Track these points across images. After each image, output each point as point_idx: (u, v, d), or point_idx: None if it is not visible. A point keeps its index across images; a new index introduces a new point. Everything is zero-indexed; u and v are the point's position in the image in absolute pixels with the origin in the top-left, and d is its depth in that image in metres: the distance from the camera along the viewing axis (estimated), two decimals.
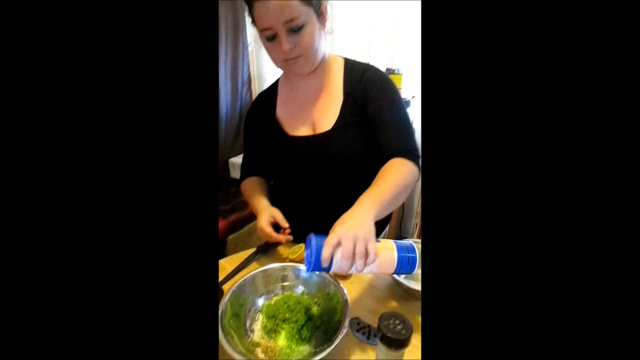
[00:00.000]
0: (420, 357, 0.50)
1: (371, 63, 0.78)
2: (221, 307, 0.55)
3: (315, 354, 0.48)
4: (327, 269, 0.49)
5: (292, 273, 0.66)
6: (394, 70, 1.53)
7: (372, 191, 0.59)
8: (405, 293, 0.66)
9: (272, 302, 0.62)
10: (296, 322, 0.57)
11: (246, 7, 0.67)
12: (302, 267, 0.65)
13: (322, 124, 0.75)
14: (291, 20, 0.62)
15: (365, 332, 0.49)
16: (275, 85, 0.85)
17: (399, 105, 0.73)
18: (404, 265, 0.51)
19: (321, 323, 0.58)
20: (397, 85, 1.08)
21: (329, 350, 0.47)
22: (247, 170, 0.90)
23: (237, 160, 1.97)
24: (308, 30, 0.65)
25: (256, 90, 2.14)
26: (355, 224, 0.50)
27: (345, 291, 0.58)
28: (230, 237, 1.62)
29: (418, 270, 0.53)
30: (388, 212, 0.61)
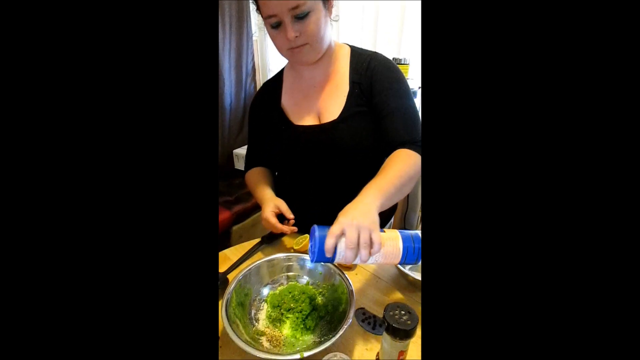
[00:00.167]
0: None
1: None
2: (226, 296, 0.55)
3: (320, 343, 0.48)
4: (331, 260, 0.48)
5: (297, 263, 0.66)
6: (400, 60, 1.50)
7: (377, 182, 0.58)
8: (410, 284, 0.66)
9: (277, 291, 0.62)
10: (301, 311, 0.57)
11: None
12: (307, 257, 0.65)
13: (328, 113, 0.74)
14: (296, 7, 0.61)
15: (371, 322, 0.49)
16: (280, 75, 0.83)
17: (406, 95, 0.72)
18: (410, 255, 0.51)
19: (326, 313, 0.58)
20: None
21: (334, 339, 0.47)
22: (251, 160, 0.90)
23: (241, 151, 1.97)
24: (314, 18, 0.63)
25: (260, 81, 2.12)
26: (358, 214, 0.49)
27: (350, 282, 0.58)
28: (235, 228, 1.63)
29: None
30: (393, 203, 0.61)
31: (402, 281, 0.68)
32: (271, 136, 0.82)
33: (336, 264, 0.62)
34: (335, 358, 0.45)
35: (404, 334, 0.45)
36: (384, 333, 0.47)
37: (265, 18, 0.64)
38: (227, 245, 0.81)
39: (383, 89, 0.70)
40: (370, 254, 0.48)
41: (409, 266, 0.68)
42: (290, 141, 0.78)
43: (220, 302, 0.55)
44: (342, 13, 1.71)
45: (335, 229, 0.47)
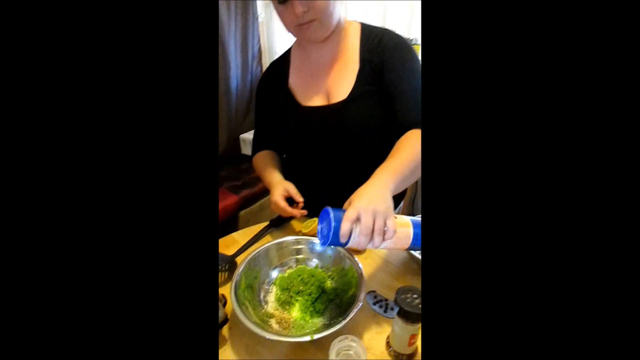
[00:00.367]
0: None
1: None
2: (235, 278, 0.55)
3: (330, 326, 0.47)
4: (344, 244, 0.47)
5: (306, 246, 0.65)
6: (411, 40, 1.45)
7: (390, 164, 0.56)
8: (419, 268, 0.65)
9: (286, 274, 0.62)
10: (310, 294, 0.57)
11: None
12: (317, 240, 0.64)
13: (337, 93, 0.71)
14: None
15: (382, 306, 0.48)
16: (287, 54, 0.81)
17: (419, 74, 0.69)
18: (419, 241, 0.50)
19: (335, 296, 0.57)
20: None
21: (344, 322, 0.47)
22: (259, 143, 0.88)
23: (248, 136, 1.95)
24: None
25: (267, 64, 2.08)
26: (374, 199, 0.48)
27: (360, 265, 0.57)
28: (242, 212, 1.63)
29: None
30: (405, 187, 0.59)
31: (412, 265, 0.67)
32: (279, 118, 0.80)
33: (346, 248, 0.61)
34: (345, 341, 0.45)
35: (416, 317, 0.44)
36: (396, 316, 0.46)
37: None
38: (234, 229, 0.81)
39: (395, 67, 0.67)
40: (383, 240, 0.47)
41: (419, 251, 0.67)
42: (297, 123, 0.76)
43: (229, 285, 0.54)
44: None
45: (351, 213, 0.45)
